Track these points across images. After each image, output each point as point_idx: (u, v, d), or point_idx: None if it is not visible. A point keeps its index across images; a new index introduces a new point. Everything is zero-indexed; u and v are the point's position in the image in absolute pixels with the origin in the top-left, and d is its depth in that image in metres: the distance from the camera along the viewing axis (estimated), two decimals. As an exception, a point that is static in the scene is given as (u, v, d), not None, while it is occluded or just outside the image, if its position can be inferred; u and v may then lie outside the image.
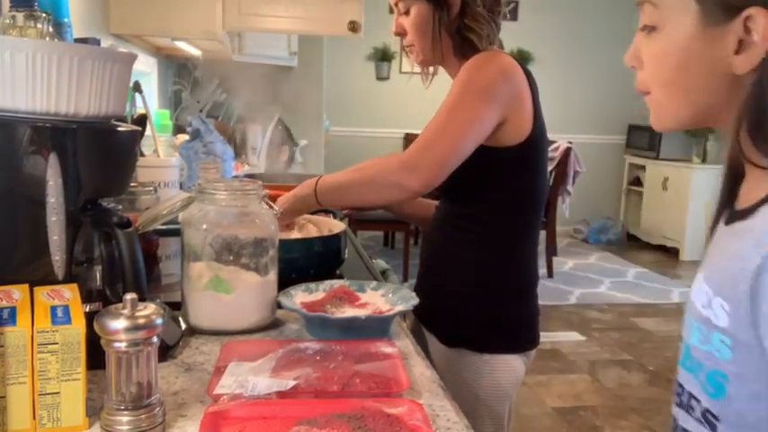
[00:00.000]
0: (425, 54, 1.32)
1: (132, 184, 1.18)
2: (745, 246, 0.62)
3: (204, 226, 1.06)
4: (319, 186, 1.25)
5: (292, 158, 3.40)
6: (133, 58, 0.94)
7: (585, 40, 6.84)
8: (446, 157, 1.14)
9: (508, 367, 1.28)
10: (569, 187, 5.20)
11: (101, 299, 0.88)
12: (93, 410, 0.75)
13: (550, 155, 4.90)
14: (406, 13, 1.30)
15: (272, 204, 1.15)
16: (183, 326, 1.05)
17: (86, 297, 0.85)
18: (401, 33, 1.33)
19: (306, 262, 1.32)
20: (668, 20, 0.67)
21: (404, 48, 1.37)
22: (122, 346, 0.71)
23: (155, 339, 0.73)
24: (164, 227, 1.17)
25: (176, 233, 1.14)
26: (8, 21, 0.87)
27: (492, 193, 1.24)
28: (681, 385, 0.71)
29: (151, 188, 1.24)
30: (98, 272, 0.88)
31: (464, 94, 1.18)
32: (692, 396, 0.69)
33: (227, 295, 1.06)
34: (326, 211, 1.58)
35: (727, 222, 0.70)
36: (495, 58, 1.22)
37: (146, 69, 2.63)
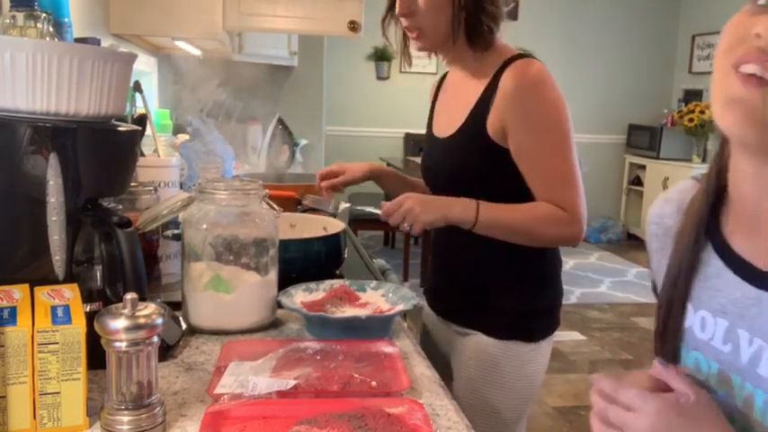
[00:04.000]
0: (437, 37, 1.26)
1: (132, 184, 1.18)
2: None
3: (204, 226, 1.06)
4: (482, 217, 1.20)
5: (292, 158, 3.40)
6: (133, 57, 0.94)
7: (586, 40, 6.83)
8: (583, 190, 1.23)
9: (545, 352, 1.34)
10: (569, 187, 5.20)
11: (101, 299, 0.88)
12: (94, 410, 0.75)
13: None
14: None
15: (273, 204, 1.14)
16: (184, 325, 1.06)
17: (87, 297, 0.85)
18: (407, 15, 1.25)
19: (306, 262, 1.32)
20: None
21: (405, 30, 1.29)
22: (123, 345, 0.71)
23: (155, 339, 0.73)
24: (175, 230, 1.19)
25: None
26: (8, 21, 0.87)
27: (524, 187, 1.23)
28: None
29: (151, 188, 1.24)
30: (98, 272, 0.88)
31: (558, 126, 1.20)
32: None
33: (227, 295, 1.06)
34: (318, 210, 1.59)
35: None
36: (535, 66, 1.20)
37: (146, 69, 2.63)
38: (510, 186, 1.23)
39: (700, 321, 0.71)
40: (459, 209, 1.21)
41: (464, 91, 1.30)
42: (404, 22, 1.28)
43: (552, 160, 1.20)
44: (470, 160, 1.26)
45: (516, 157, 1.21)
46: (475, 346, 1.32)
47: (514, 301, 1.29)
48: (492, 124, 1.21)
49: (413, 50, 1.35)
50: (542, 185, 1.21)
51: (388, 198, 1.27)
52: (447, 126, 1.32)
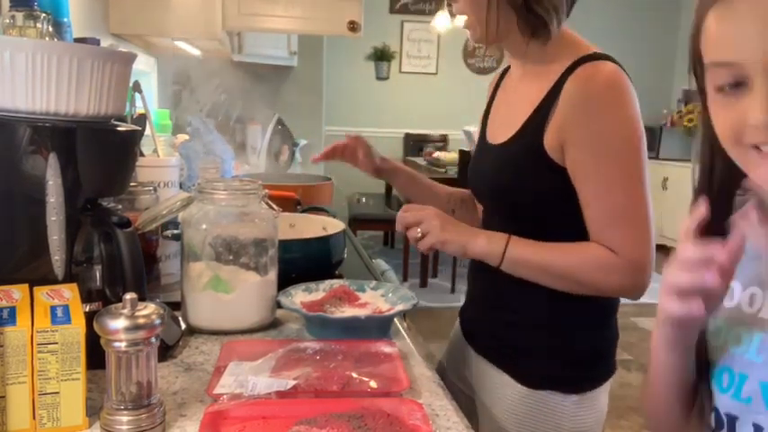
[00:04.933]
0: (482, 29, 1.09)
1: (132, 184, 1.18)
2: None
3: (204, 226, 1.06)
4: (511, 253, 1.04)
5: (292, 158, 3.40)
6: (133, 57, 0.94)
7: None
8: (652, 234, 1.02)
9: (596, 405, 1.11)
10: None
11: (100, 298, 0.88)
12: (93, 410, 0.75)
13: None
14: None
15: (272, 204, 1.14)
16: (183, 326, 1.05)
17: (86, 297, 0.85)
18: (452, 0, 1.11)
19: (305, 262, 1.32)
20: None
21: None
22: (122, 345, 0.71)
23: (154, 339, 0.73)
24: (175, 230, 1.18)
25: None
26: (8, 20, 0.87)
27: (574, 215, 1.05)
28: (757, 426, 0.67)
29: (151, 188, 1.24)
30: (98, 272, 0.88)
31: (627, 149, 1.00)
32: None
33: (226, 295, 1.06)
34: (320, 209, 1.59)
35: None
36: (607, 70, 1.01)
37: (145, 69, 2.63)
38: (567, 212, 1.05)
39: (748, 298, 0.71)
40: (484, 240, 1.05)
41: (525, 92, 1.11)
42: (453, 10, 1.13)
43: (613, 191, 1.00)
44: (521, 174, 1.07)
45: (573, 180, 1.03)
46: (502, 391, 1.13)
47: (560, 344, 1.10)
48: (550, 138, 1.03)
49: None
50: (597, 220, 1.02)
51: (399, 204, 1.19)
52: (501, 131, 1.13)
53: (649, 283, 1.01)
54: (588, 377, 1.12)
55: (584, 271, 1.02)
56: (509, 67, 1.25)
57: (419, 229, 1.07)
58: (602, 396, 1.13)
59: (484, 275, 1.17)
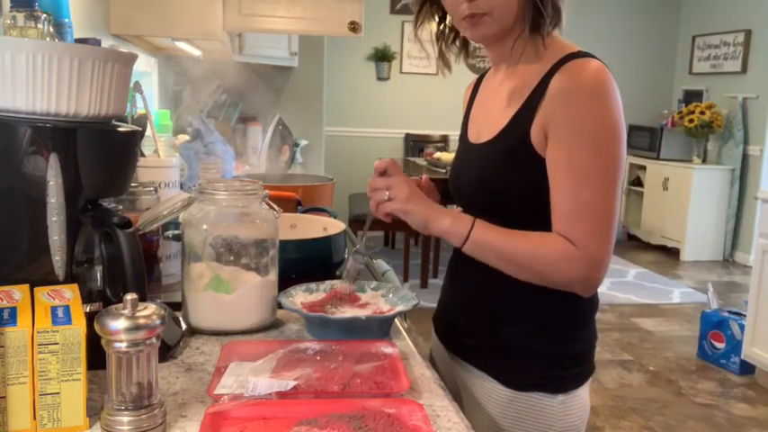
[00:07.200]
0: (504, 21, 1.06)
1: (133, 185, 1.18)
2: None
3: (204, 226, 1.06)
4: (475, 235, 1.04)
5: (292, 158, 3.40)
6: (133, 58, 0.94)
7: (585, 41, 6.82)
8: (614, 232, 1.02)
9: (581, 403, 1.12)
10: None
11: (101, 299, 0.88)
12: (94, 411, 0.76)
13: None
14: None
15: (273, 205, 1.14)
16: (184, 326, 1.06)
17: (87, 297, 0.85)
18: None
19: (306, 262, 1.32)
20: None
21: (467, 18, 1.07)
22: (123, 346, 0.71)
23: (155, 340, 0.73)
24: (175, 231, 1.18)
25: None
26: (9, 21, 0.88)
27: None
28: None
29: (151, 188, 1.24)
30: (98, 272, 0.88)
31: (604, 145, 1.00)
32: None
33: (227, 295, 1.06)
34: (321, 209, 1.59)
35: None
36: (592, 67, 1.01)
37: (146, 69, 2.63)
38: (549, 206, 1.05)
39: None
40: (449, 220, 1.06)
41: (510, 91, 1.11)
42: (467, 9, 1.06)
43: (585, 183, 1.00)
44: (507, 171, 1.07)
45: (548, 168, 1.03)
46: (489, 394, 1.12)
47: (543, 345, 1.09)
48: (536, 131, 1.03)
49: (472, 42, 1.16)
50: (564, 210, 1.02)
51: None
52: (484, 130, 1.14)
53: (603, 279, 1.03)
54: (572, 376, 1.12)
55: (543, 260, 1.03)
56: (485, 74, 1.27)
57: (387, 193, 1.06)
58: (585, 392, 1.14)
59: (466, 277, 1.17)
